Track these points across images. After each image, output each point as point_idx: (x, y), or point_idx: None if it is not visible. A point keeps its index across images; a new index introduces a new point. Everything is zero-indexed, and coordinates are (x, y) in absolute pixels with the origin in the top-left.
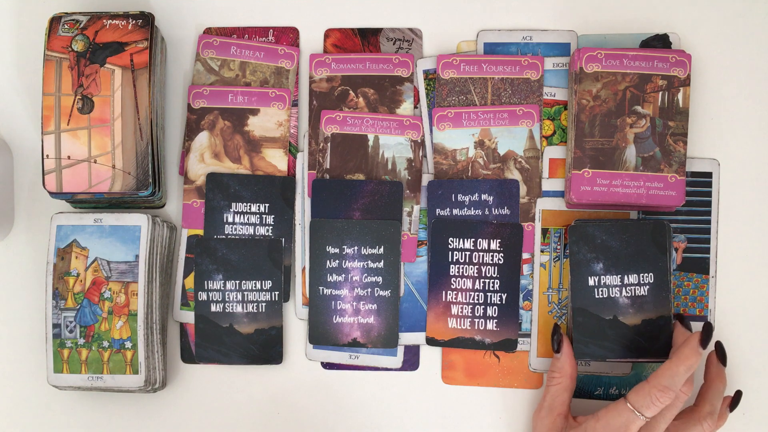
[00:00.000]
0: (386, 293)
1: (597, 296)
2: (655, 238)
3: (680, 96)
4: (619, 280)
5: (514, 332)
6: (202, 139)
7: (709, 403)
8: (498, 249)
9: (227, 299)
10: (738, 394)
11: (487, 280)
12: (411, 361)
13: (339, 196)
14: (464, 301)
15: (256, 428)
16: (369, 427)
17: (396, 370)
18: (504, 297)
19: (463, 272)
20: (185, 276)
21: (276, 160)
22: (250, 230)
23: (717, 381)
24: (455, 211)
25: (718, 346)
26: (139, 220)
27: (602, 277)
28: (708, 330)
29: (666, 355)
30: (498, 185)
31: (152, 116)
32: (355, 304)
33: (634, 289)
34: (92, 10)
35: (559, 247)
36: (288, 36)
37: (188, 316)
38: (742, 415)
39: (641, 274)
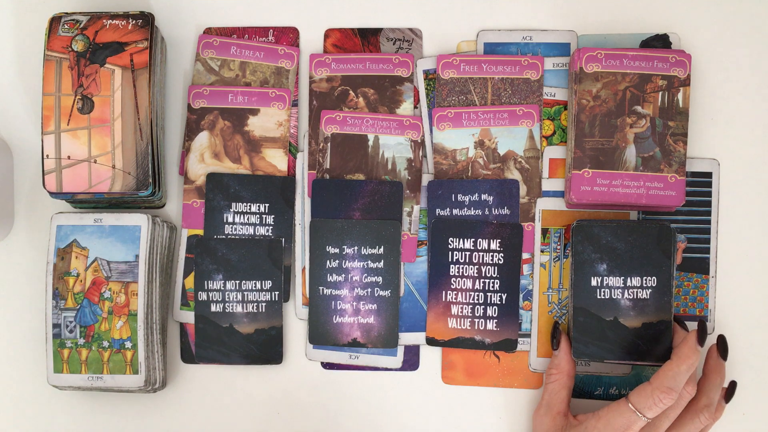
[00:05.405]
0: (386, 293)
1: (599, 297)
2: (661, 241)
3: (680, 96)
4: (621, 281)
5: (514, 332)
6: (202, 139)
7: (706, 396)
8: (498, 249)
9: (227, 299)
10: (732, 385)
11: (487, 280)
12: (411, 361)
13: (339, 196)
14: (464, 301)
15: (256, 428)
16: (369, 427)
17: (396, 370)
18: (504, 297)
19: (463, 272)
20: (185, 276)
21: (276, 160)
22: (250, 230)
23: (714, 374)
24: (455, 211)
25: (721, 339)
26: (139, 220)
27: (605, 278)
28: (703, 327)
29: (665, 359)
30: (498, 185)
31: (152, 116)
32: (355, 304)
33: (636, 292)
34: (92, 10)
35: (559, 247)
36: (288, 36)
37: (188, 316)
38: (741, 415)
39: (644, 278)
